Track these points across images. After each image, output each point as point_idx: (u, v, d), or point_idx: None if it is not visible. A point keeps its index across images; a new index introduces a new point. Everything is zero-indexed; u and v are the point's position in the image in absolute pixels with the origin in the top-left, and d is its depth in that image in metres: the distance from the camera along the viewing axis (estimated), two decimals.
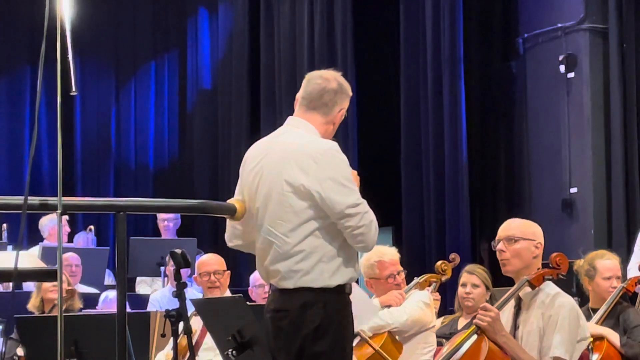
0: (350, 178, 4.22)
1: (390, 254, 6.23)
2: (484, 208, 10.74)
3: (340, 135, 9.35)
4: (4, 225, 10.03)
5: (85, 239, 10.81)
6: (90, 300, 8.24)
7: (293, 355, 4.22)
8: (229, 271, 6.96)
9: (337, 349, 4.21)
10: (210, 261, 6.98)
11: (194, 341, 5.55)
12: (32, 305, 7.27)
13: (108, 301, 8.19)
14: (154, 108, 13.66)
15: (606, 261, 6.37)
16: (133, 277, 10.10)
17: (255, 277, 7.56)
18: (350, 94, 4.45)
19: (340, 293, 4.24)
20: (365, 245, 4.25)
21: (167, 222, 10.51)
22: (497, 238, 4.90)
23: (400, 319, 6.14)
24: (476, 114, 10.67)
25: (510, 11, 10.57)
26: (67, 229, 10.28)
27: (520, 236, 4.83)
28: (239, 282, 11.50)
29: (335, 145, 4.29)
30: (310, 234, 4.21)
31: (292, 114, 4.46)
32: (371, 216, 4.20)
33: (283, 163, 4.26)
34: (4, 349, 6.86)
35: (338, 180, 4.19)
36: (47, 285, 7.14)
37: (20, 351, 6.50)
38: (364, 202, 4.21)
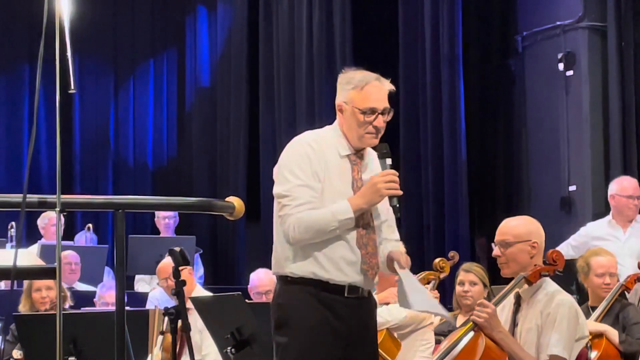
0: (293, 170, 4.24)
1: None
2: (483, 205, 10.75)
3: None
4: (12, 223, 10.02)
5: (86, 238, 10.82)
6: (89, 299, 8.24)
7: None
8: (188, 268, 6.91)
9: (294, 342, 4.22)
10: (163, 267, 7.03)
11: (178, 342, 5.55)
12: (22, 310, 7.22)
13: (105, 288, 8.21)
14: (152, 106, 13.65)
15: (599, 258, 6.40)
16: (132, 275, 10.11)
17: (255, 284, 7.54)
18: (355, 82, 4.34)
19: (299, 284, 4.25)
20: (285, 235, 4.25)
21: (167, 220, 10.52)
22: (495, 240, 4.90)
23: (399, 315, 6.16)
24: (475, 111, 10.68)
25: (509, 9, 10.58)
26: (54, 228, 10.26)
27: (513, 240, 4.83)
28: (238, 280, 11.52)
29: (302, 137, 4.34)
30: (276, 221, 4.33)
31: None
32: (290, 211, 4.20)
33: None
34: (2, 347, 6.85)
35: (280, 168, 4.30)
36: (36, 296, 7.08)
37: (16, 353, 6.48)
38: (294, 196, 4.22)
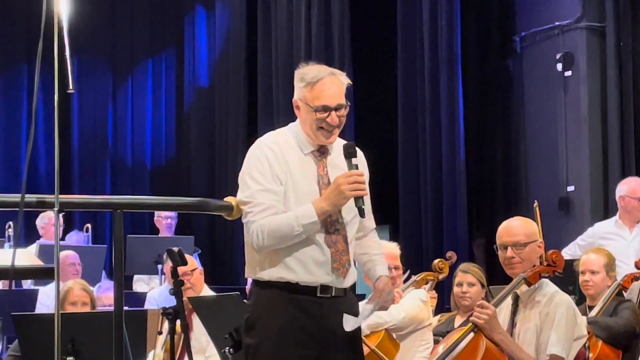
0: (254, 176, 4.18)
1: (389, 247, 6.28)
2: (481, 206, 10.74)
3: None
4: (10, 223, 10.01)
5: (78, 237, 10.81)
6: None
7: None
8: (199, 268, 6.94)
9: (263, 344, 4.16)
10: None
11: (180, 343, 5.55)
12: None
13: (102, 289, 8.21)
14: (151, 106, 13.66)
15: (585, 256, 6.46)
16: (130, 275, 10.11)
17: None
18: (307, 80, 4.21)
19: (270, 288, 4.19)
20: (250, 242, 4.20)
21: (170, 220, 10.52)
22: (501, 243, 4.87)
23: (397, 316, 6.17)
24: (473, 112, 10.67)
25: (507, 10, 10.58)
26: (53, 228, 10.27)
27: (526, 240, 4.83)
28: (236, 280, 11.52)
29: (261, 140, 4.28)
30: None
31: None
32: (253, 217, 4.15)
33: None
34: (3, 346, 6.84)
35: (242, 175, 4.25)
36: (70, 309, 6.97)
37: None
38: (256, 202, 4.16)
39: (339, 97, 4.22)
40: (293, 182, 4.20)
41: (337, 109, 4.20)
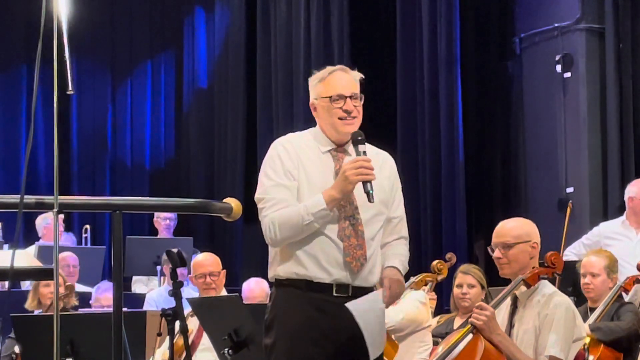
0: (267, 172, 4.28)
1: None
2: (481, 207, 10.75)
3: None
4: None
5: (66, 237, 10.80)
6: (85, 300, 8.23)
7: None
8: (224, 270, 6.98)
9: (279, 342, 4.20)
10: (205, 262, 6.99)
11: (190, 341, 5.56)
12: (29, 306, 7.26)
13: (101, 289, 8.21)
14: (150, 107, 13.66)
15: (586, 258, 6.46)
16: (129, 276, 10.11)
17: (246, 295, 7.55)
18: (320, 77, 4.34)
19: (286, 286, 4.24)
20: (265, 237, 4.25)
21: (169, 221, 10.52)
22: (492, 243, 4.89)
23: (396, 317, 6.17)
24: (472, 113, 10.68)
25: (506, 11, 10.58)
26: (61, 229, 10.28)
27: (514, 241, 4.83)
28: (234, 281, 11.51)
29: (279, 140, 4.36)
30: None
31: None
32: (266, 212, 4.23)
33: None
34: (1, 347, 6.85)
35: (259, 175, 4.34)
36: (44, 291, 7.12)
37: (18, 349, 6.49)
38: (268, 198, 4.23)
39: (352, 86, 4.37)
40: (307, 177, 4.27)
41: (351, 97, 4.34)
